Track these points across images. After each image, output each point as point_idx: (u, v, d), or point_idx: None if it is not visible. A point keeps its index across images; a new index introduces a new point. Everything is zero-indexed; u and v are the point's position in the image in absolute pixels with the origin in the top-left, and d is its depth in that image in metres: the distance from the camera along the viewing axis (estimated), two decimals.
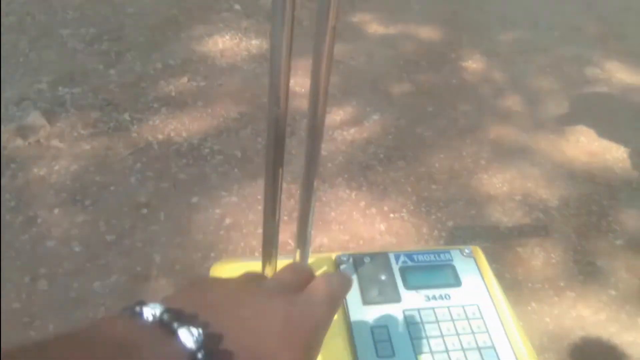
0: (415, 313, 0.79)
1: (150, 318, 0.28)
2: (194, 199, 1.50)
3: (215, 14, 2.31)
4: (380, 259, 0.87)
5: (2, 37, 1.99)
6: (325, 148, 1.70)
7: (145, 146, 1.68)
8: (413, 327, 0.77)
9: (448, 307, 0.80)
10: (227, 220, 1.44)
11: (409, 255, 0.88)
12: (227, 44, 2.14)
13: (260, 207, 1.32)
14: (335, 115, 1.90)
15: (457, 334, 0.77)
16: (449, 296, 0.82)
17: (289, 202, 1.48)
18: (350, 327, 0.75)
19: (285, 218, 1.40)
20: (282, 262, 0.75)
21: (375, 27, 2.38)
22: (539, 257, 1.40)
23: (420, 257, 0.88)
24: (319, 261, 0.84)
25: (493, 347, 0.76)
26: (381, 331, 0.76)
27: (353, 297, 0.79)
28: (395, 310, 0.79)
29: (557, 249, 1.43)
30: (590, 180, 1.68)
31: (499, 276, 1.15)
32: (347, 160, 1.69)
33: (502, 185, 1.64)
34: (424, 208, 1.53)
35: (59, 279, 1.27)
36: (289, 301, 0.33)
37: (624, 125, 1.96)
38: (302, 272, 0.38)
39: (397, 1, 2.60)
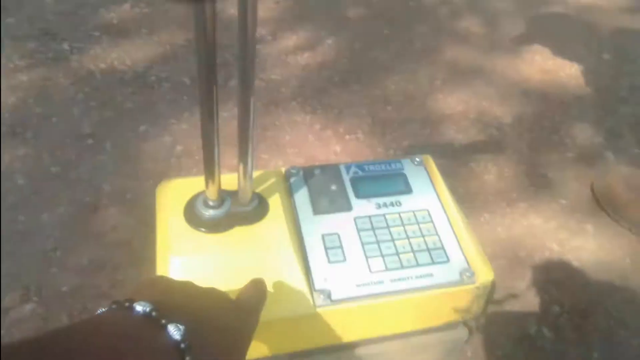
0: (366, 220, 0.78)
1: (142, 312, 0.33)
2: (142, 128, 1.45)
3: None
4: (330, 170, 0.85)
5: None
6: (278, 73, 1.66)
7: (87, 76, 1.59)
8: (364, 233, 0.77)
9: (399, 213, 0.80)
10: (178, 148, 1.40)
11: (360, 166, 0.87)
12: None
13: None
14: (289, 40, 1.84)
15: (408, 238, 0.77)
16: (399, 203, 0.82)
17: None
18: (301, 237, 0.74)
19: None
20: (225, 178, 0.73)
21: None
22: (492, 172, 1.41)
23: (371, 168, 0.87)
24: (269, 175, 0.82)
25: (442, 248, 0.76)
26: (332, 238, 0.75)
27: (303, 208, 0.78)
28: (346, 218, 0.78)
29: (510, 163, 1.44)
30: (543, 97, 1.69)
31: (453, 190, 1.16)
32: (301, 84, 1.65)
33: (457, 104, 1.63)
34: (379, 129, 1.51)
35: (4, 213, 1.22)
36: (237, 306, 0.47)
37: (578, 43, 1.96)
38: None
39: None
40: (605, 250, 1.25)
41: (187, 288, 0.44)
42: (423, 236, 0.77)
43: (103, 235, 1.19)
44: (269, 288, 0.66)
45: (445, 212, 0.81)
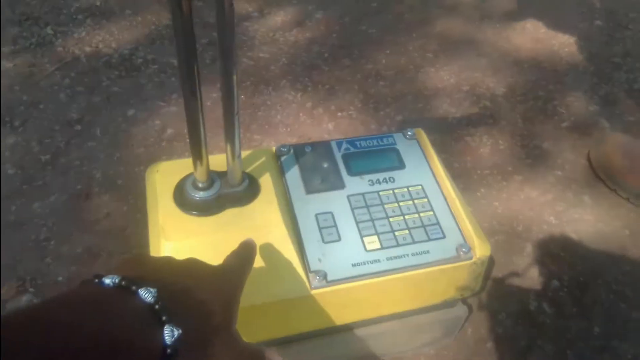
0: (360, 197, 0.77)
1: (111, 284, 0.34)
2: (131, 112, 1.42)
3: None
4: (321, 147, 0.84)
5: None
6: (266, 50, 1.63)
7: (73, 60, 1.56)
8: (358, 211, 0.76)
9: (392, 190, 0.79)
10: (169, 131, 1.38)
11: (351, 142, 0.86)
12: None
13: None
14: (276, 16, 1.81)
15: (402, 215, 0.76)
16: (393, 179, 0.81)
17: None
18: (294, 217, 0.73)
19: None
20: (214, 159, 0.72)
21: None
22: (487, 145, 1.40)
23: (363, 143, 0.86)
24: (259, 154, 0.81)
25: (438, 224, 0.75)
26: (326, 217, 0.74)
27: (295, 187, 0.77)
28: (339, 196, 0.77)
29: (504, 135, 1.43)
30: (536, 66, 1.67)
31: (448, 166, 1.15)
32: (291, 61, 1.62)
33: (449, 77, 1.61)
34: (372, 104, 1.49)
35: None
36: (214, 269, 0.45)
37: (570, 10, 1.93)
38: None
39: None
40: (603, 222, 1.24)
41: (162, 260, 0.44)
42: (418, 212, 0.76)
43: (96, 222, 1.18)
44: (263, 271, 0.65)
45: (439, 187, 0.80)
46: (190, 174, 0.71)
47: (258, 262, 0.65)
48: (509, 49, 1.74)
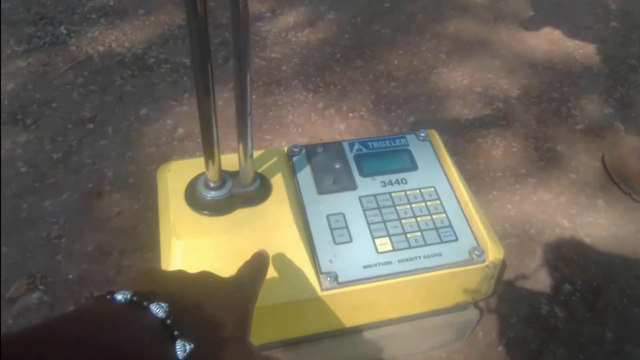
0: (372, 199, 0.77)
1: (123, 300, 0.34)
2: (143, 111, 1.43)
3: None
4: (333, 148, 0.84)
5: None
6: (278, 51, 1.63)
7: (86, 59, 1.57)
8: (370, 212, 0.75)
9: (405, 191, 0.78)
10: (180, 130, 1.38)
11: (364, 143, 0.85)
12: None
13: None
14: (288, 17, 1.80)
15: (415, 216, 0.75)
16: (405, 180, 0.80)
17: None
18: (305, 218, 0.72)
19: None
20: (226, 158, 0.71)
21: None
22: (500, 147, 1.39)
23: (375, 144, 0.85)
24: (271, 154, 0.80)
25: (450, 226, 0.74)
26: (337, 218, 0.74)
27: (307, 187, 0.77)
28: (351, 197, 0.76)
29: (517, 138, 1.42)
30: (550, 67, 1.66)
31: (460, 168, 1.14)
32: (303, 62, 1.62)
33: (462, 78, 1.60)
34: (384, 105, 1.49)
35: (8, 200, 1.21)
36: (230, 282, 0.45)
37: (585, 11, 1.91)
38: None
39: None
40: (617, 226, 1.23)
41: (173, 274, 0.44)
42: (430, 214, 0.76)
43: (107, 221, 1.18)
44: (274, 271, 0.65)
45: (452, 189, 0.79)
46: (202, 174, 0.71)
47: (269, 262, 0.65)
48: (523, 50, 1.73)
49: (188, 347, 0.33)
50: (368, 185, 0.78)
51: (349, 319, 0.73)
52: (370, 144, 0.84)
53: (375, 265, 0.69)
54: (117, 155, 1.32)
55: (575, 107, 1.52)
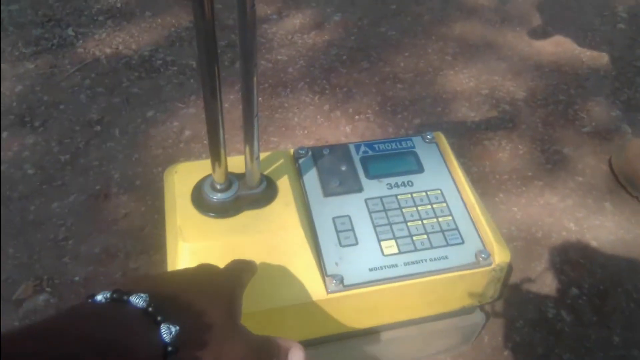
0: (378, 201, 0.77)
1: (103, 300, 0.35)
2: (150, 113, 1.43)
3: None
4: (339, 150, 0.83)
5: None
6: (285, 53, 1.63)
7: (93, 61, 1.58)
8: (376, 215, 0.75)
9: (411, 194, 0.78)
10: (187, 132, 1.39)
11: (370, 145, 0.85)
12: None
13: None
14: (294, 19, 1.81)
15: (421, 219, 0.75)
16: (411, 183, 0.80)
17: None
18: (311, 220, 0.72)
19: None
20: (232, 160, 0.72)
21: None
22: (506, 149, 1.38)
23: (382, 146, 0.85)
24: (277, 156, 0.80)
25: (457, 229, 0.74)
26: (343, 221, 0.73)
27: (313, 190, 0.77)
28: (357, 199, 0.76)
29: (524, 140, 1.41)
30: (557, 70, 1.65)
31: (467, 170, 1.13)
32: (309, 64, 1.62)
33: (468, 80, 1.60)
34: (390, 108, 1.49)
35: (15, 202, 1.22)
36: (209, 269, 0.48)
37: (591, 12, 1.91)
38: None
39: None
40: (624, 229, 1.22)
41: (156, 273, 0.47)
42: (436, 217, 0.75)
43: (114, 222, 1.19)
44: (279, 274, 0.65)
45: (458, 191, 0.79)
46: (209, 176, 0.71)
47: (275, 265, 0.65)
48: (530, 52, 1.72)
49: (174, 329, 0.34)
50: (374, 188, 0.78)
51: (355, 322, 0.73)
52: (376, 146, 0.84)
53: (381, 268, 0.69)
54: (124, 157, 1.32)
55: (582, 110, 1.51)
